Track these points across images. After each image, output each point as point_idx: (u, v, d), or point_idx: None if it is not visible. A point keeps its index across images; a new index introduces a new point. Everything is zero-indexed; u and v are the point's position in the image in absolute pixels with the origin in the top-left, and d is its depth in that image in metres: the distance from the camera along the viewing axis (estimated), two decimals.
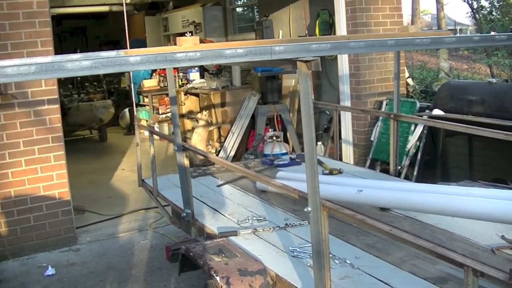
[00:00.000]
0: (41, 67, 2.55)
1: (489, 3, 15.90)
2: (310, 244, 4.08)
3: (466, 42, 4.85)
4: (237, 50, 2.98)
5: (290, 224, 4.73)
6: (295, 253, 4.13)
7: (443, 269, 3.67)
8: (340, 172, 6.28)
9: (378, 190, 4.79)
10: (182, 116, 12.51)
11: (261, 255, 4.13)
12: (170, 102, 5.64)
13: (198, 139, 10.67)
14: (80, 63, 2.63)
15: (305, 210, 3.24)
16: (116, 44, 18.50)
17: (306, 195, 3.29)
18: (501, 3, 15.39)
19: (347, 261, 3.94)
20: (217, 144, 11.09)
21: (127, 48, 7.48)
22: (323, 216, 3.19)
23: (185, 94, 12.46)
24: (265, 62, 3.36)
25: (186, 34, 12.99)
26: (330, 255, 3.40)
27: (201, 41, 3.76)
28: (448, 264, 2.90)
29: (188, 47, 3.58)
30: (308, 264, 3.92)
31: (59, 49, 11.58)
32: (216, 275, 3.80)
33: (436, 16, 25.73)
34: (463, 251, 3.88)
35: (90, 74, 2.80)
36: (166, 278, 5.91)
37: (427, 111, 7.80)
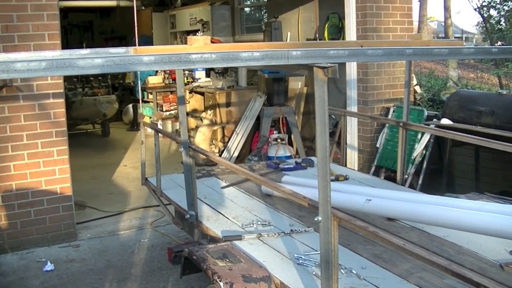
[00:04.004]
0: (51, 63, 2.48)
1: (497, 13, 15.85)
2: (316, 252, 4.05)
3: (485, 54, 4.78)
4: (253, 53, 2.91)
5: (296, 230, 4.66)
6: (300, 261, 4.05)
7: (452, 284, 3.59)
8: (346, 178, 6.22)
9: (387, 200, 4.72)
10: (186, 114, 12.40)
11: (265, 261, 4.06)
12: (178, 101, 5.57)
13: (201, 138, 10.62)
14: (92, 61, 2.56)
15: (315, 219, 3.17)
16: (122, 39, 18.47)
17: (316, 203, 3.22)
18: (508, 13, 15.33)
19: (353, 271, 3.87)
20: (220, 144, 11.03)
21: (134, 44, 7.44)
22: (333, 227, 3.12)
23: (190, 93, 12.40)
24: (280, 66, 3.29)
25: (197, 34, 13.00)
26: None
27: (211, 41, 3.70)
28: (456, 279, 2.83)
29: (200, 47, 3.52)
30: (314, 273, 3.85)
31: (65, 43, 11.48)
32: (220, 281, 3.73)
33: (443, 23, 25.63)
34: (471, 266, 3.82)
35: (102, 73, 2.74)
36: (166, 278, 5.86)
37: (434, 119, 7.74)
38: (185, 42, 3.68)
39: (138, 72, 14.14)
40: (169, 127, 13.80)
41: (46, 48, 6.39)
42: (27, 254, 6.58)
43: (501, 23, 16.06)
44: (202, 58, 2.83)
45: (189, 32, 14.91)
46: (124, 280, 5.85)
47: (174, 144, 12.08)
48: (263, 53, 2.95)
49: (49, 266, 6.18)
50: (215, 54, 2.86)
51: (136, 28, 9.16)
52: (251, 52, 2.94)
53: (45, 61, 2.47)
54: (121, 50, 3.05)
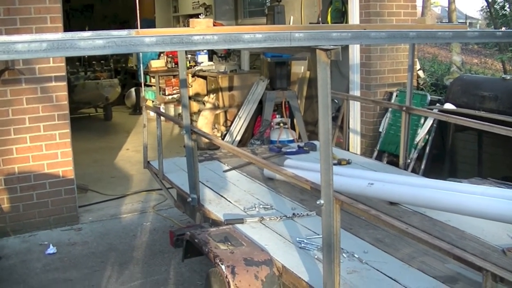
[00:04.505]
0: (52, 44, 2.45)
1: None
2: (318, 236, 4.04)
3: (489, 37, 4.72)
4: (255, 35, 2.88)
5: (298, 214, 4.66)
6: (302, 245, 4.05)
7: (453, 268, 3.60)
8: (349, 162, 6.21)
9: (390, 184, 4.70)
10: (188, 98, 12.36)
11: (267, 245, 4.07)
12: (180, 84, 5.56)
13: (204, 122, 10.61)
14: (93, 42, 2.53)
15: (317, 202, 3.16)
16: (125, 23, 18.39)
17: (318, 186, 3.21)
18: None
19: (355, 255, 3.87)
20: (223, 128, 11.02)
21: (136, 28, 7.41)
22: (335, 210, 3.11)
23: (192, 76, 12.35)
24: (282, 49, 3.27)
25: (199, 16, 12.93)
26: None
27: (213, 24, 3.67)
28: (458, 263, 2.82)
29: (202, 30, 3.49)
30: (316, 257, 3.85)
31: (67, 27, 11.45)
32: (222, 264, 3.74)
33: (446, 8, 25.50)
34: (473, 251, 3.82)
35: (103, 54, 2.71)
36: (168, 262, 5.86)
37: (438, 104, 7.71)
38: (187, 25, 3.64)
39: (141, 56, 14.13)
40: (171, 111, 13.77)
41: (48, 31, 6.37)
42: (29, 237, 6.59)
43: (506, 8, 15.98)
44: (204, 40, 2.81)
45: (192, 16, 14.84)
46: (126, 263, 5.86)
47: (177, 128, 12.08)
48: (266, 35, 2.92)
49: (51, 249, 6.19)
50: (217, 35, 2.83)
51: (138, 11, 9.11)
52: (253, 34, 2.91)
53: (46, 42, 2.44)
54: (123, 32, 3.03)
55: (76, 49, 2.51)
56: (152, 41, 2.67)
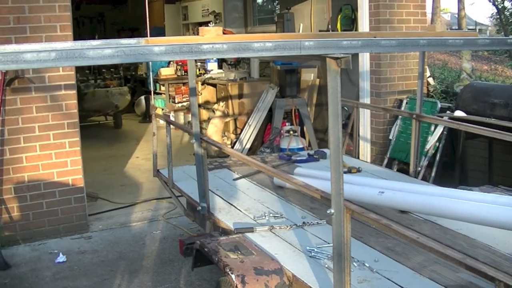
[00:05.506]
0: (61, 54, 2.45)
1: None
2: (328, 245, 4.03)
3: (500, 45, 4.71)
4: (265, 44, 2.87)
5: (308, 222, 4.63)
6: (312, 253, 4.03)
7: (465, 277, 3.56)
8: (359, 170, 6.18)
9: (400, 193, 4.68)
10: (198, 106, 12.38)
11: (277, 254, 4.04)
12: (190, 93, 5.55)
13: (213, 130, 10.61)
14: (102, 51, 2.53)
15: (328, 212, 3.14)
16: (135, 31, 18.46)
17: (328, 195, 3.19)
18: None
19: (366, 264, 3.84)
20: (232, 136, 11.02)
21: (146, 36, 7.42)
22: (346, 219, 3.09)
23: (202, 84, 12.37)
24: (292, 57, 3.26)
25: (209, 24, 12.96)
26: None
27: (223, 32, 3.66)
28: (470, 272, 2.80)
29: (211, 38, 3.48)
30: (326, 266, 3.82)
31: (77, 35, 11.47)
32: (232, 273, 3.72)
33: (456, 15, 25.47)
34: (484, 259, 3.78)
35: (114, 65, 2.71)
36: (178, 270, 5.85)
37: (448, 112, 7.69)
38: (197, 33, 3.64)
39: (150, 64, 14.16)
40: (181, 118, 13.79)
41: (57, 40, 6.40)
42: (39, 245, 6.59)
43: None
44: (213, 49, 2.80)
45: (201, 24, 14.87)
46: (136, 272, 5.85)
47: (186, 136, 12.08)
48: (276, 43, 2.91)
49: (61, 258, 6.19)
50: (227, 44, 2.83)
51: (147, 19, 9.14)
52: (263, 43, 2.90)
53: (55, 51, 2.45)
54: (132, 41, 3.02)
55: (85, 58, 2.51)
56: (162, 50, 2.67)
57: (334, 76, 3.00)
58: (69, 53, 2.47)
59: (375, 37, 3.68)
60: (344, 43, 3.03)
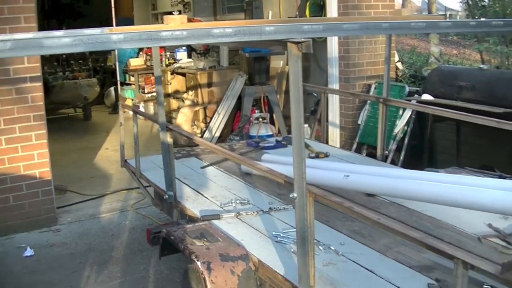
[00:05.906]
0: (17, 43, 2.40)
1: None
2: (294, 229, 4.02)
3: (462, 27, 4.70)
4: (225, 30, 2.84)
5: (274, 208, 4.64)
6: (278, 238, 4.04)
7: (429, 257, 3.59)
8: (326, 155, 6.20)
9: (365, 176, 4.69)
10: (168, 95, 12.39)
11: (243, 240, 4.04)
12: (155, 81, 5.51)
13: (183, 119, 10.56)
14: (59, 40, 2.48)
15: (291, 196, 3.14)
16: (103, 22, 18.27)
17: (292, 180, 3.19)
18: None
19: (332, 248, 3.86)
20: (202, 125, 10.98)
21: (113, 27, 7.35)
22: (309, 203, 3.09)
23: (171, 74, 12.31)
24: (254, 43, 3.23)
25: (173, 13, 12.83)
26: (315, 241, 3.30)
27: (189, 20, 3.64)
28: (432, 252, 2.81)
29: (175, 26, 3.45)
30: (292, 250, 3.83)
31: (46, 28, 11.29)
32: (197, 260, 3.71)
33: (426, 1, 25.55)
34: (450, 239, 3.81)
35: (71, 52, 2.67)
36: (147, 260, 5.83)
37: (416, 95, 7.72)
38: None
39: (117, 54, 14.06)
40: (151, 109, 13.70)
41: (22, 32, 6.29)
42: (7, 240, 6.50)
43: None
44: (172, 36, 2.76)
45: (171, 13, 14.77)
46: (105, 263, 5.81)
47: (156, 126, 11.97)
48: (236, 29, 2.88)
49: (28, 252, 6.11)
50: (186, 31, 2.79)
51: (113, 9, 9.06)
52: (223, 29, 2.86)
53: (11, 41, 2.40)
54: (96, 30, 2.98)
55: (43, 48, 2.46)
56: (120, 38, 2.63)
57: (295, 61, 2.99)
58: (25, 42, 2.42)
59: (342, 21, 3.67)
60: (305, 27, 3.00)
